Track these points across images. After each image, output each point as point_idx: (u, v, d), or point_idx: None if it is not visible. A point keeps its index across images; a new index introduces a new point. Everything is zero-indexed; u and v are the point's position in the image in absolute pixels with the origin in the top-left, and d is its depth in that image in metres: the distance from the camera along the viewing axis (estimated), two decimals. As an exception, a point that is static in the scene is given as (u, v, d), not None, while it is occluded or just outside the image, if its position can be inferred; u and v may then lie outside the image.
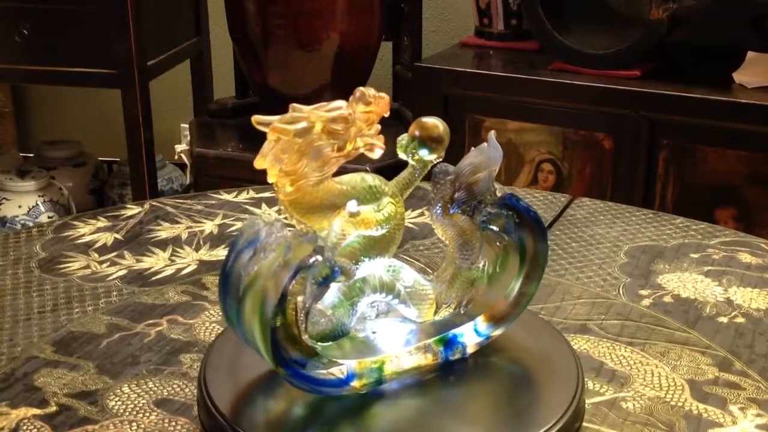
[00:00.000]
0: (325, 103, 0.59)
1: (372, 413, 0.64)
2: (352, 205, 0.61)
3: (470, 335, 0.69)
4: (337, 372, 0.63)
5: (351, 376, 0.63)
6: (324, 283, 0.59)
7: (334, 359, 0.63)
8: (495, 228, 0.66)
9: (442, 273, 0.69)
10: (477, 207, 0.66)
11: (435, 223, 0.68)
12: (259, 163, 0.58)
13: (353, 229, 0.62)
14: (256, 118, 0.57)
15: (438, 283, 0.68)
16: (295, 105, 0.59)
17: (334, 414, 0.63)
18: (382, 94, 0.62)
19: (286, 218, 0.62)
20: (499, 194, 0.66)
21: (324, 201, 0.61)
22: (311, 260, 0.57)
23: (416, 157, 0.67)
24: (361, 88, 0.62)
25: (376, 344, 0.66)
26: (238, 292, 0.58)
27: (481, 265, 0.68)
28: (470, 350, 0.69)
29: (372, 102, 0.61)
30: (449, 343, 0.68)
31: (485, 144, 0.66)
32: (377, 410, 0.64)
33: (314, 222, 0.61)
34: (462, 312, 0.69)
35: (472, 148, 0.66)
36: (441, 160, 0.67)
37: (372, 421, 0.64)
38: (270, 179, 0.59)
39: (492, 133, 0.66)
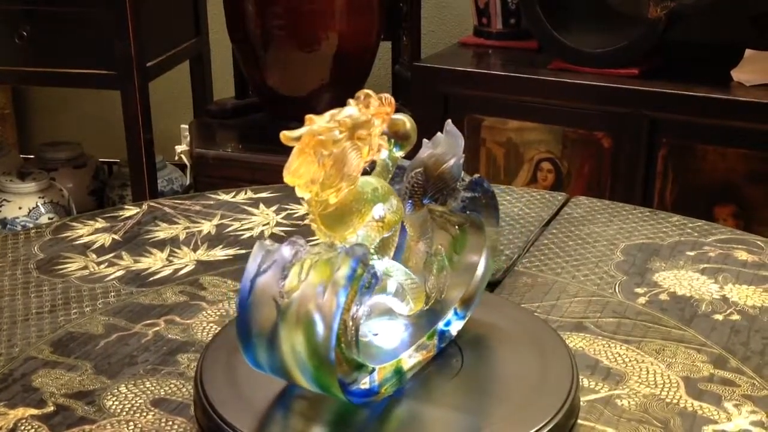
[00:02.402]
0: (335, 111, 0.57)
1: (366, 414, 0.64)
2: (378, 210, 0.62)
3: (454, 321, 0.71)
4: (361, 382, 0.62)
5: (377, 383, 0.62)
6: (368, 294, 0.58)
7: (372, 367, 0.62)
8: (467, 211, 0.68)
9: (414, 266, 0.69)
10: (450, 194, 0.67)
11: (405, 217, 0.69)
12: (291, 180, 0.54)
13: (377, 234, 0.62)
14: (285, 134, 0.54)
15: (418, 274, 0.69)
16: (311, 116, 0.55)
17: (333, 414, 0.63)
18: (386, 95, 0.62)
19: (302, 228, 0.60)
20: (467, 179, 0.68)
21: (351, 208, 0.60)
22: (360, 272, 0.55)
23: (391, 154, 0.68)
24: (365, 91, 0.61)
25: (380, 346, 0.67)
26: (270, 321, 0.55)
27: (443, 252, 0.70)
28: (454, 334, 0.71)
29: (383, 103, 0.61)
30: (441, 333, 0.70)
31: (440, 134, 0.68)
32: (371, 411, 0.64)
33: (340, 231, 0.60)
34: (443, 298, 0.71)
35: (424, 140, 0.68)
36: (404, 156, 0.69)
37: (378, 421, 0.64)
38: (303, 194, 0.56)
39: (448, 122, 0.68)
